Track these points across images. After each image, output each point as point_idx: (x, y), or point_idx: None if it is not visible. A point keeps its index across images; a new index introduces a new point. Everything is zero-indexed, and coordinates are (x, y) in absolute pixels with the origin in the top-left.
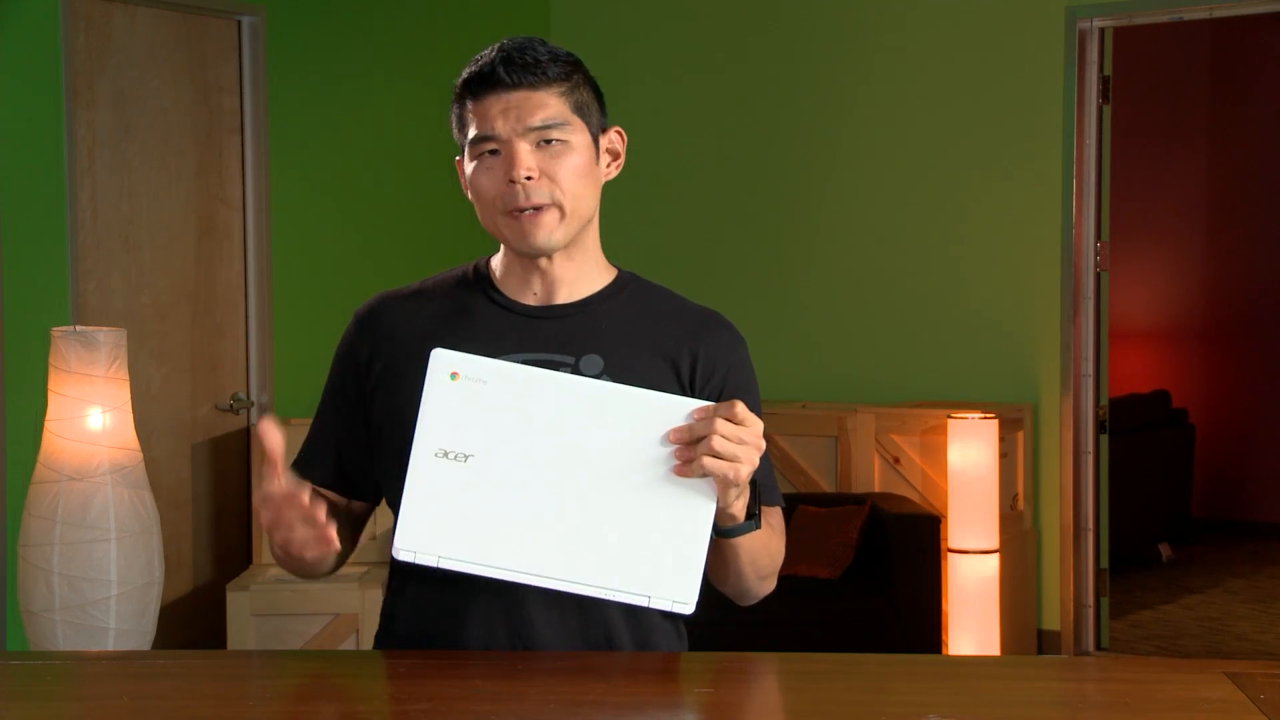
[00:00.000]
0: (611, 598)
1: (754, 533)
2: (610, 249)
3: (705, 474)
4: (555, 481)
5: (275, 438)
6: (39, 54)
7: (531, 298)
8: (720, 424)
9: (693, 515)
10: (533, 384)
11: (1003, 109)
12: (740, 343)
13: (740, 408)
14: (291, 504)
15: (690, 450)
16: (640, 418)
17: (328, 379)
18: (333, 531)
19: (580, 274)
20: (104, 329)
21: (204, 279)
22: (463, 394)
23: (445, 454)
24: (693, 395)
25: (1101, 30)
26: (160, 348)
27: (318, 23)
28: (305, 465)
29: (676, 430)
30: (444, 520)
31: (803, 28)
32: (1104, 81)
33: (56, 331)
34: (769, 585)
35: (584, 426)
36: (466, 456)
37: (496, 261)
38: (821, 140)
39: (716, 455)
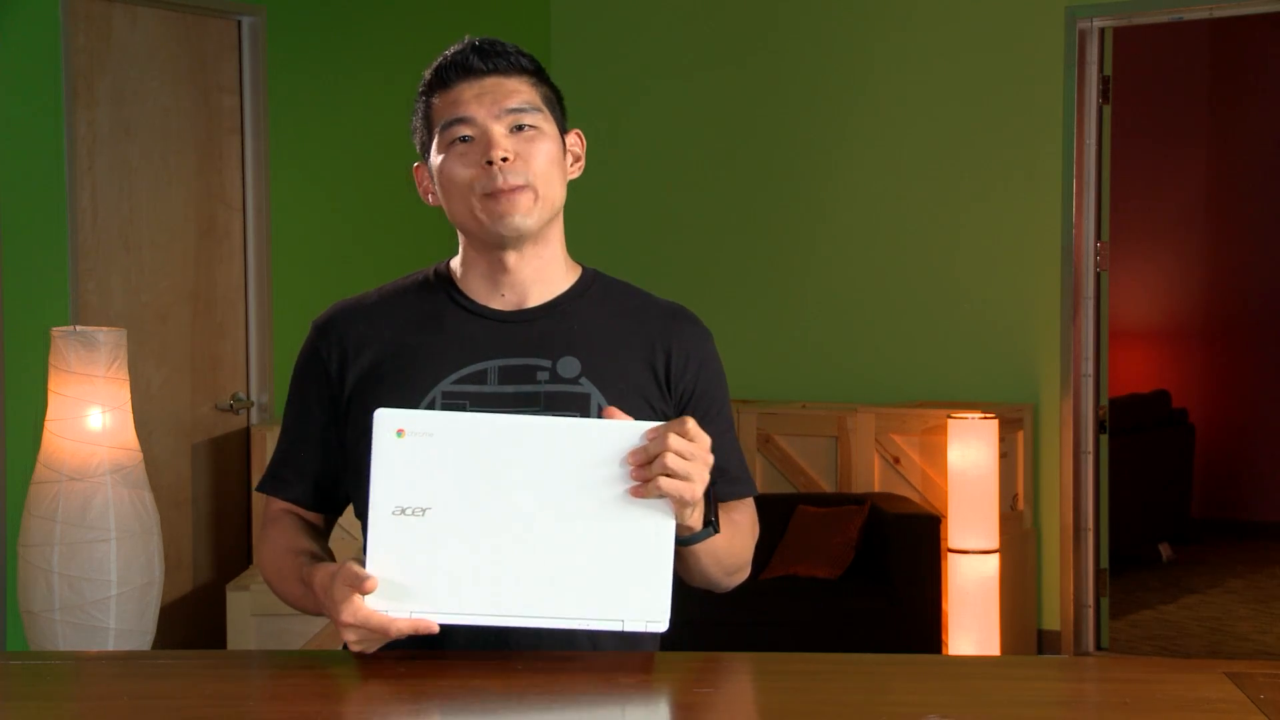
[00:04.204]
0: (586, 627)
1: (714, 539)
2: (609, 249)
3: (661, 494)
4: (515, 521)
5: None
6: (39, 54)
7: (500, 300)
8: (673, 440)
9: (654, 535)
10: (479, 429)
11: (1003, 109)
12: (708, 336)
13: (691, 424)
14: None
15: (646, 471)
16: (589, 447)
17: (291, 394)
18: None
19: (546, 274)
20: (104, 329)
21: (204, 279)
22: (411, 449)
23: (403, 511)
24: (668, 390)
25: (1101, 30)
26: (160, 348)
27: (318, 23)
28: (280, 485)
29: (633, 453)
30: (411, 576)
31: (803, 28)
32: (1104, 81)
33: (56, 331)
34: (740, 577)
35: (536, 463)
36: (424, 510)
37: (457, 264)
38: (822, 140)
39: (671, 474)
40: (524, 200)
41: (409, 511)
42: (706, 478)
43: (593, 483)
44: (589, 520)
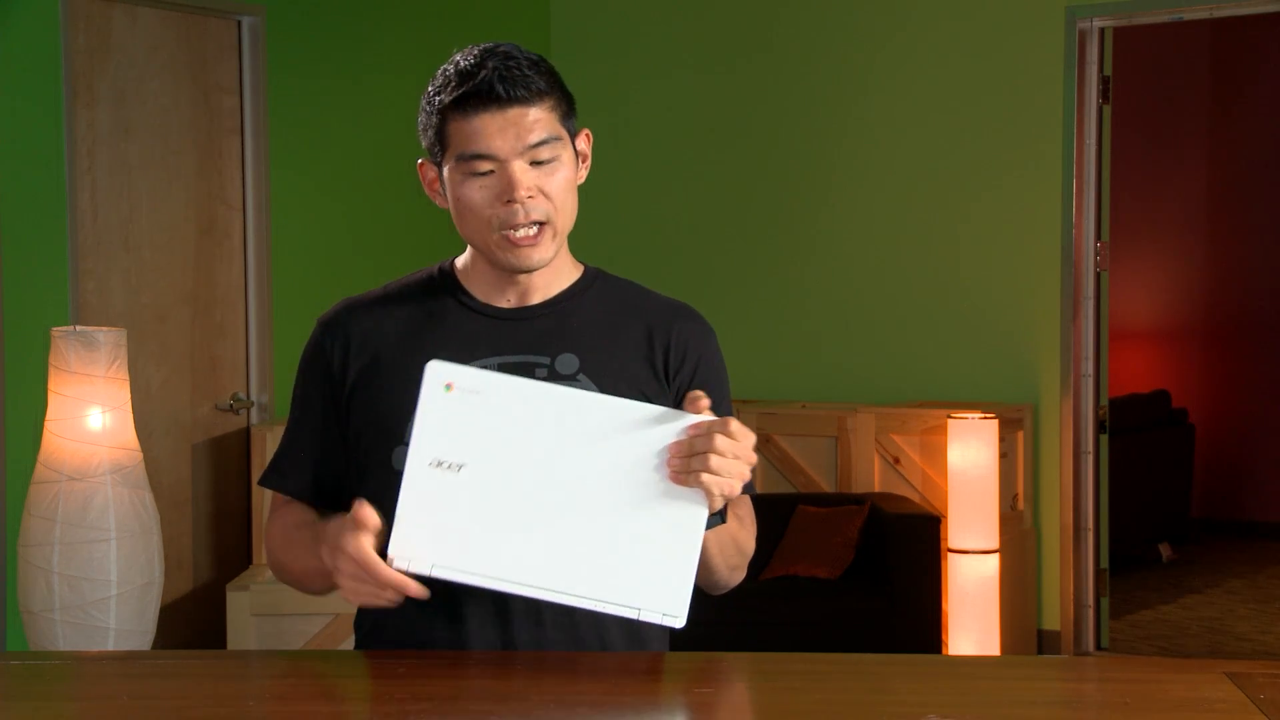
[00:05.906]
0: (602, 609)
1: (721, 526)
2: (608, 249)
3: (700, 486)
4: (548, 492)
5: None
6: (39, 54)
7: (503, 300)
8: (719, 441)
9: (683, 527)
10: (527, 395)
11: (1003, 109)
12: (710, 333)
13: (735, 424)
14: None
15: (686, 463)
16: (634, 430)
17: (295, 389)
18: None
19: (551, 276)
20: (104, 329)
21: (204, 279)
22: (458, 405)
23: (439, 464)
24: (666, 384)
25: (1101, 30)
26: (160, 348)
27: (318, 23)
28: (280, 478)
29: (676, 444)
30: (438, 530)
31: (803, 28)
32: (1104, 81)
33: (56, 331)
34: (739, 575)
35: (577, 438)
36: (460, 466)
37: (463, 262)
38: (822, 140)
39: (714, 472)
40: (543, 238)
41: (445, 465)
42: (747, 475)
43: (631, 465)
44: (622, 503)
